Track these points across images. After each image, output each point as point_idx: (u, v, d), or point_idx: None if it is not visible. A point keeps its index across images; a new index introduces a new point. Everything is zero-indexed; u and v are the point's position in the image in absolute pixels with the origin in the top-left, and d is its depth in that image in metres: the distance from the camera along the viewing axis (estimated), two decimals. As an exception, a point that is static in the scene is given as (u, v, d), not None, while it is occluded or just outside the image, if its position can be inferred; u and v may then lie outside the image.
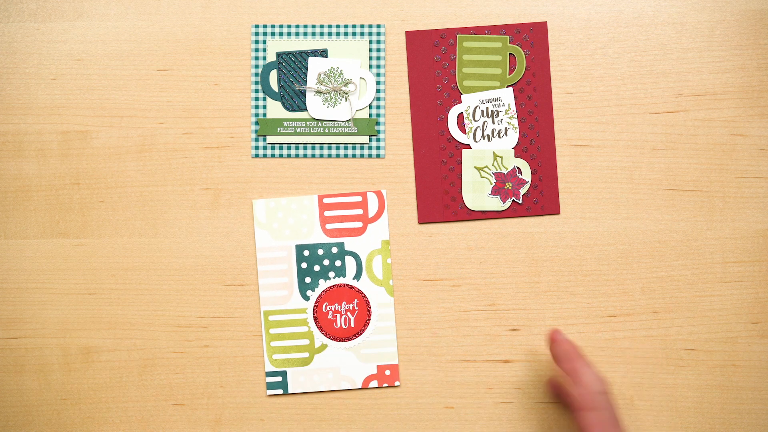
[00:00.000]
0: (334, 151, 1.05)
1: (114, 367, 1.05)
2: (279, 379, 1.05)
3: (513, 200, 1.05)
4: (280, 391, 1.05)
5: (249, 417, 1.05)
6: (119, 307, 1.05)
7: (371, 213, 1.05)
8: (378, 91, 1.05)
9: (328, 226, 1.04)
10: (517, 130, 1.05)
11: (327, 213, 1.04)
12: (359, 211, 1.05)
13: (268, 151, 1.05)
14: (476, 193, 1.04)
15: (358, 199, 1.05)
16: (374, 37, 1.05)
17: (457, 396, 1.05)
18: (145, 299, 1.05)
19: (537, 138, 1.05)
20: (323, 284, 1.05)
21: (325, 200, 1.05)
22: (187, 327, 1.05)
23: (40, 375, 1.05)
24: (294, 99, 1.05)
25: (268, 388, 1.04)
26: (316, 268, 1.05)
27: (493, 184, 1.04)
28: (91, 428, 1.05)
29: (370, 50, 1.05)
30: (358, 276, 1.05)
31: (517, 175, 1.04)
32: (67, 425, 1.05)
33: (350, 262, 1.05)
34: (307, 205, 1.05)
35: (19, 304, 1.05)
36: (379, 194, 1.05)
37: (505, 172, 1.05)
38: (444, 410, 1.05)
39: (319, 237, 1.05)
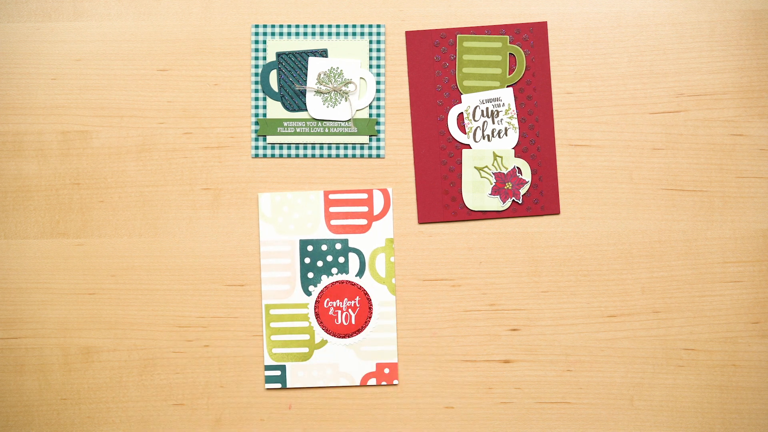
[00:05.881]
0: (334, 151, 1.05)
1: (114, 367, 1.05)
2: (278, 373, 1.05)
3: (513, 200, 1.05)
4: (279, 386, 1.05)
5: (249, 417, 1.05)
6: (119, 307, 1.05)
7: (376, 211, 1.05)
8: (378, 91, 1.05)
9: (333, 222, 1.04)
10: (517, 130, 1.05)
11: (332, 209, 1.05)
12: (364, 209, 1.05)
13: (268, 151, 1.05)
14: (476, 193, 1.04)
15: (364, 196, 1.05)
16: (374, 37, 1.05)
17: (457, 396, 1.05)
18: (145, 299, 1.05)
19: (537, 138, 1.05)
20: (326, 280, 1.05)
21: (331, 196, 1.05)
22: (187, 327, 1.05)
23: (40, 375, 1.05)
24: (294, 99, 1.05)
25: (266, 382, 1.04)
26: (319, 263, 1.05)
27: (493, 184, 1.05)
28: (91, 428, 1.05)
29: (370, 50, 1.05)
30: (360, 273, 1.05)
31: (517, 175, 1.05)
32: (67, 425, 1.05)
33: (353, 259, 1.05)
34: (312, 200, 1.05)
35: (19, 304, 1.05)
36: (384, 192, 1.05)
37: (505, 172, 1.05)
38: (444, 410, 1.05)
39: (323, 233, 1.05)
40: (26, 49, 1.06)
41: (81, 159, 1.05)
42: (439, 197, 1.05)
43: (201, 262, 1.05)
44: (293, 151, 1.05)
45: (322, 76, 1.05)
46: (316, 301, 1.05)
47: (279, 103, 1.05)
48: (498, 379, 1.05)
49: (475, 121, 1.05)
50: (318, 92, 1.05)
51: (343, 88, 1.05)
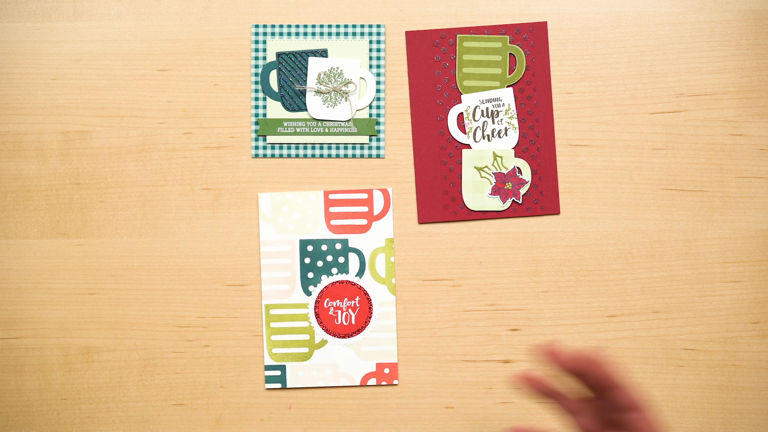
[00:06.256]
0: (334, 151, 1.05)
1: (114, 367, 1.05)
2: (278, 373, 1.05)
3: (513, 200, 1.05)
4: (279, 386, 1.05)
5: (249, 417, 1.05)
6: (119, 307, 1.05)
7: (376, 211, 1.05)
8: (378, 91, 1.05)
9: (333, 222, 1.05)
10: (517, 130, 1.05)
11: (332, 209, 1.05)
12: (364, 209, 1.05)
13: (268, 151, 1.05)
14: (476, 193, 1.04)
15: (364, 196, 1.05)
16: (374, 37, 1.05)
17: (457, 396, 1.05)
18: (145, 299, 1.05)
19: (537, 138, 1.05)
20: (326, 280, 1.05)
21: (331, 196, 1.05)
22: (187, 327, 1.05)
23: (40, 375, 1.05)
24: (294, 99, 1.05)
25: (266, 382, 1.05)
26: (319, 263, 1.05)
27: (493, 184, 1.05)
28: (91, 428, 1.05)
29: (370, 50, 1.05)
30: (360, 273, 1.05)
31: (517, 175, 1.05)
32: (67, 425, 1.05)
33: (353, 259, 1.05)
34: (312, 200, 1.05)
35: (19, 304, 1.05)
36: (384, 192, 1.05)
37: (505, 172, 1.05)
38: (444, 410, 1.05)
39: (323, 233, 1.05)
40: (26, 49, 1.06)
41: (81, 159, 1.05)
42: (439, 197, 1.05)
43: (201, 262, 1.05)
44: (293, 151, 1.05)
45: (322, 76, 1.05)
46: (316, 301, 1.05)
47: (279, 103, 1.05)
48: (498, 379, 1.05)
49: (475, 121, 1.05)
50: (318, 92, 1.05)
51: (343, 88, 1.05)
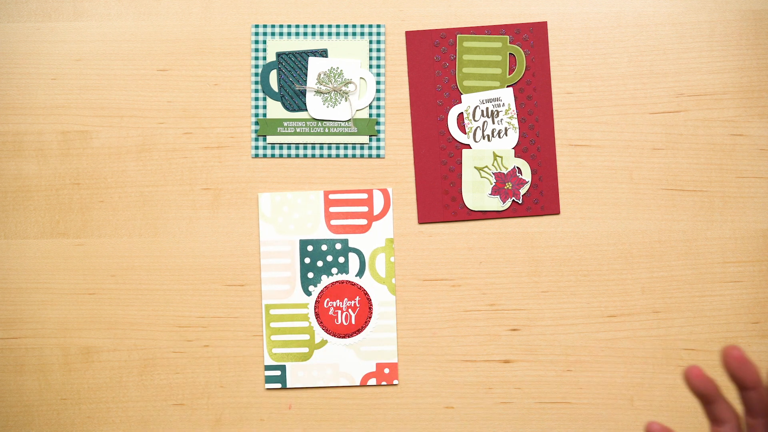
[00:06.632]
0: (334, 151, 1.05)
1: (114, 367, 1.05)
2: (278, 373, 1.05)
3: (513, 200, 1.05)
4: (279, 386, 1.05)
5: (249, 417, 1.05)
6: (119, 307, 1.05)
7: (376, 211, 1.05)
8: (378, 91, 1.05)
9: (333, 222, 1.05)
10: (517, 130, 1.05)
11: (332, 209, 1.05)
12: (364, 209, 1.05)
13: (268, 151, 1.05)
14: (476, 193, 1.04)
15: (364, 196, 1.05)
16: (374, 37, 1.05)
17: (457, 396, 1.05)
18: (145, 299, 1.05)
19: (537, 138, 1.05)
20: (326, 280, 1.05)
21: (331, 196, 1.05)
22: (187, 327, 1.05)
23: (40, 375, 1.05)
24: (294, 99, 1.05)
25: (266, 382, 1.05)
26: (319, 263, 1.05)
27: (493, 184, 1.05)
28: (91, 428, 1.05)
29: (370, 50, 1.05)
30: (360, 273, 1.05)
31: (517, 175, 1.05)
32: (67, 425, 1.05)
33: (353, 259, 1.05)
34: (312, 200, 1.05)
35: (19, 304, 1.05)
36: (384, 192, 1.05)
37: (505, 172, 1.05)
38: (444, 410, 1.05)
39: (323, 233, 1.05)
40: (26, 49, 1.06)
41: (81, 159, 1.05)
42: (439, 197, 1.05)
43: (201, 262, 1.05)
44: (293, 151, 1.05)
45: (322, 76, 1.05)
46: (316, 301, 1.05)
47: (279, 103, 1.05)
48: (498, 379, 1.05)
49: (475, 121, 1.05)
50: (318, 92, 1.05)
51: (343, 88, 1.05)
